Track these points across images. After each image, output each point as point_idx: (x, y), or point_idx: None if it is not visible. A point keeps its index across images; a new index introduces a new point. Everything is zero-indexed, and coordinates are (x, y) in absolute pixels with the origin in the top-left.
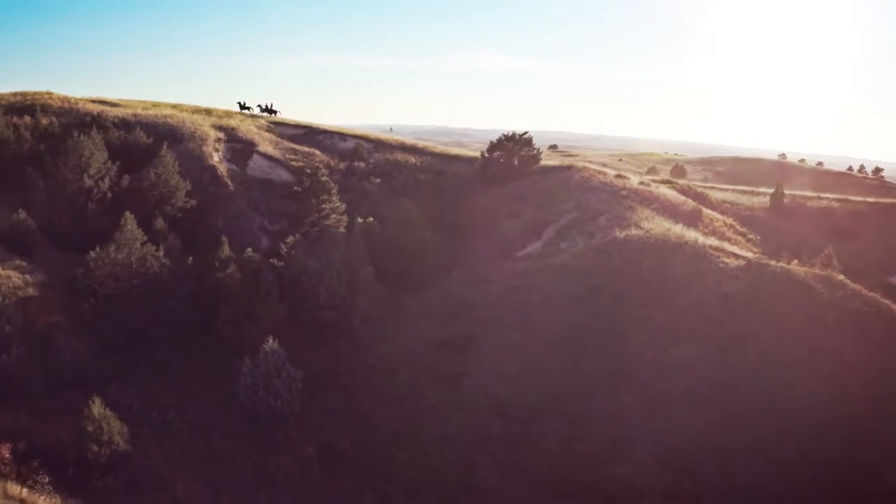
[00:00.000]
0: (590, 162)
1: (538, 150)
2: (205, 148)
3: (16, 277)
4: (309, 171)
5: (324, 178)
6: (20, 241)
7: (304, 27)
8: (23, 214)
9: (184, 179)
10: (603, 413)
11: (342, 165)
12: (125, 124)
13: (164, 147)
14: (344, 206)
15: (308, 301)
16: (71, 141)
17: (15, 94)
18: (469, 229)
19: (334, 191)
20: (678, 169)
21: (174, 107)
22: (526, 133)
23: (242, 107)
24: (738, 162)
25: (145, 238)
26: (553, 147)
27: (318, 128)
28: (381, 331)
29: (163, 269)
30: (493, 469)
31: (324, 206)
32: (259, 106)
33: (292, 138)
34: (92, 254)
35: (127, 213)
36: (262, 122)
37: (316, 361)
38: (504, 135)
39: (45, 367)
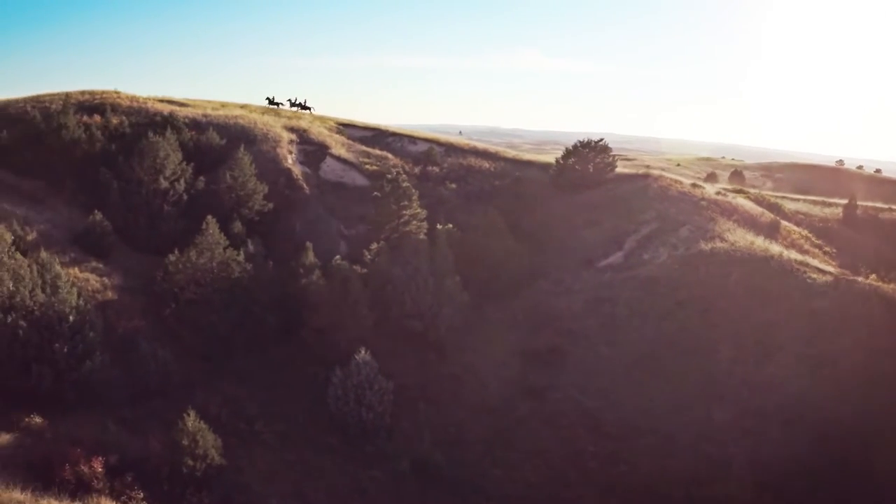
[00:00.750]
0: (663, 170)
1: (614, 157)
2: (279, 150)
3: (94, 280)
4: (389, 176)
5: (405, 184)
6: (96, 243)
7: (344, 27)
8: (99, 216)
9: (260, 182)
10: (696, 429)
11: (416, 170)
12: (196, 125)
13: (242, 149)
14: (425, 212)
15: (394, 310)
16: (146, 141)
17: (83, 93)
18: (547, 237)
19: (415, 197)
20: (737, 175)
21: (242, 107)
22: (602, 140)
23: (271, 102)
24: (795, 168)
25: (227, 242)
26: None
27: (387, 130)
28: (466, 340)
29: (244, 275)
30: (586, 486)
31: (404, 212)
32: (289, 101)
33: (361, 140)
34: (171, 257)
35: (209, 216)
36: (332, 123)
37: (402, 371)
38: (580, 141)
39: (129, 374)
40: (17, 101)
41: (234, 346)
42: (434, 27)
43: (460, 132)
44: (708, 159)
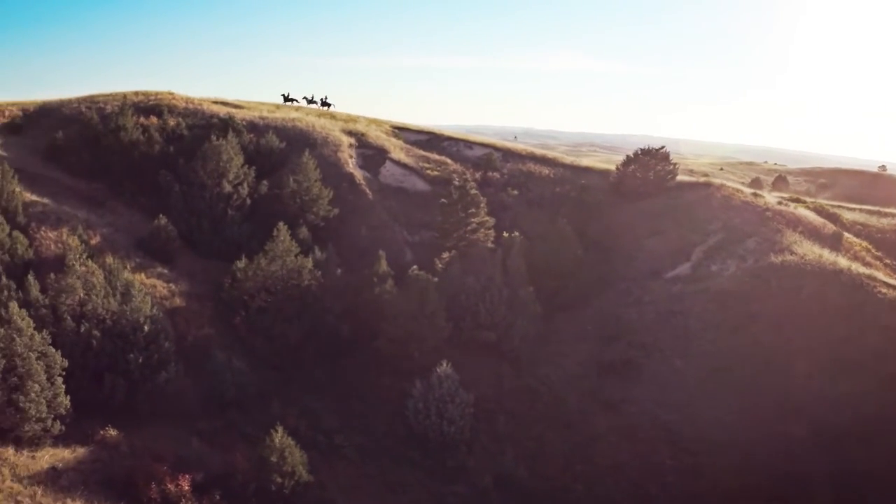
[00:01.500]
0: (707, 175)
1: (675, 165)
2: (340, 154)
3: (161, 287)
4: (457, 183)
5: (473, 192)
6: (161, 248)
7: (379, 28)
8: (163, 220)
9: (324, 187)
10: (774, 444)
11: (477, 175)
12: (254, 127)
13: (306, 153)
14: (492, 220)
15: (467, 320)
16: (208, 144)
17: (137, 94)
18: (612, 246)
19: (482, 204)
20: (781, 180)
21: (297, 109)
22: (663, 147)
23: (287, 98)
24: (838, 174)
25: (298, 249)
26: None
27: (442, 134)
28: (539, 352)
29: (314, 282)
30: (666, 501)
31: (472, 219)
32: (305, 98)
33: (416, 144)
34: (238, 264)
35: (280, 223)
36: (386, 126)
37: (478, 384)
38: (640, 149)
39: (202, 384)
40: (70, 102)
41: (305, 356)
42: (468, 27)
43: (515, 137)
44: (750, 164)
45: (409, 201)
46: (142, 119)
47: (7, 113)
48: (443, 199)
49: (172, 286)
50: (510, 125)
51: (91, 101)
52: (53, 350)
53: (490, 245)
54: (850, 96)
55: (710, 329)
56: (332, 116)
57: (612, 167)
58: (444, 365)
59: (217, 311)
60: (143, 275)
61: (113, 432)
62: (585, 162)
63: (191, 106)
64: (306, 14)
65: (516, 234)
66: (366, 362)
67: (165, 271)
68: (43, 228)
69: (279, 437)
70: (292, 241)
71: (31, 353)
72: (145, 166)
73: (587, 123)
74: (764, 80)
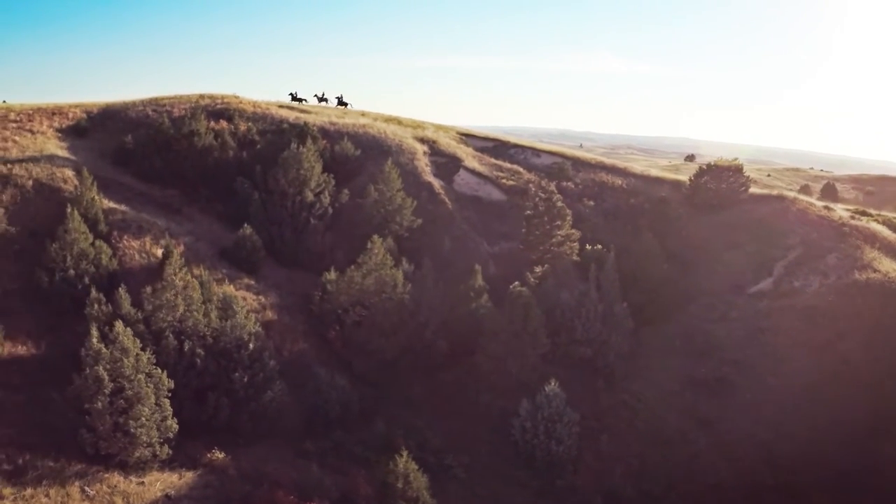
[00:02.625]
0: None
1: (747, 177)
2: (417, 162)
3: (251, 299)
4: (543, 194)
5: (560, 204)
6: (247, 258)
7: (411, 28)
8: (249, 229)
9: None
10: (867, 464)
11: (551, 185)
12: (325, 133)
13: (389, 162)
14: (578, 233)
15: (563, 336)
16: (289, 152)
17: (203, 97)
18: (690, 259)
19: (568, 217)
20: (830, 188)
21: (362, 114)
22: (736, 159)
23: (294, 98)
24: (886, 181)
25: (392, 262)
26: (691, 157)
27: (508, 141)
28: (631, 367)
29: (406, 296)
30: None
31: (558, 232)
32: (316, 97)
33: (483, 151)
34: (328, 276)
35: (375, 236)
36: (453, 133)
37: (575, 400)
38: (713, 161)
39: (305, 402)
40: (134, 104)
41: (402, 372)
42: (503, 27)
43: (581, 145)
44: (796, 170)
45: (486, 211)
46: (212, 123)
47: (71, 115)
48: (528, 211)
49: (262, 298)
50: (546, 127)
51: (156, 104)
52: (160, 371)
53: (575, 258)
54: (875, 98)
55: (798, 346)
56: (399, 122)
57: (678, 177)
58: (552, 384)
59: (309, 325)
60: (231, 286)
61: (220, 455)
62: (653, 172)
63: (258, 110)
64: (333, 11)
65: (599, 246)
66: (461, 378)
67: (252, 282)
68: (125, 237)
69: (403, 461)
70: (386, 254)
71: (139, 375)
72: (219, 172)
73: (622, 125)
74: (790, 82)
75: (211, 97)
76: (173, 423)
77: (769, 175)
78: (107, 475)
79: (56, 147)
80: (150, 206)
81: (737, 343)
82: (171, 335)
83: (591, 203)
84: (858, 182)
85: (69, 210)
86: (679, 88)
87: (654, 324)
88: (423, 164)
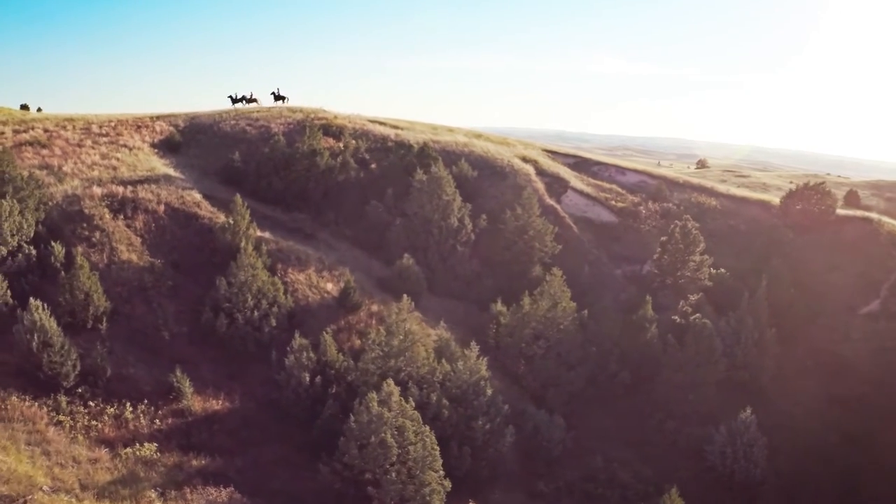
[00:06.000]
0: (771, 187)
1: (835, 199)
2: (535, 185)
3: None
4: (679, 222)
5: (694, 231)
6: (410, 289)
7: (401, 28)
8: (410, 260)
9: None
10: None
11: (654, 206)
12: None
13: (541, 190)
14: (711, 259)
15: (722, 362)
16: (429, 175)
17: (293, 111)
18: (795, 280)
19: (702, 244)
20: (853, 195)
21: (450, 130)
22: (823, 183)
23: (235, 100)
24: None
25: (570, 292)
26: (702, 163)
27: (590, 158)
28: (778, 388)
29: (575, 325)
30: None
31: (693, 258)
32: (244, 97)
33: (567, 168)
34: (496, 307)
35: (555, 268)
36: (538, 149)
37: None
38: (804, 183)
39: (522, 441)
40: (221, 117)
41: (586, 403)
42: (498, 29)
43: (658, 163)
44: (816, 176)
45: (600, 233)
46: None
47: (157, 128)
48: (663, 237)
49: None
50: (542, 128)
51: (247, 117)
52: (427, 429)
53: (707, 283)
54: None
55: None
56: (488, 138)
57: (762, 197)
58: (748, 411)
59: (495, 359)
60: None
61: None
62: (736, 191)
63: (356, 125)
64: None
65: (722, 270)
66: (640, 406)
67: (418, 314)
68: (289, 270)
69: (673, 497)
70: (563, 284)
71: (425, 439)
72: (342, 194)
73: (616, 126)
74: (788, 82)
75: (301, 110)
76: (447, 483)
77: (791, 182)
78: None
79: (161, 164)
80: (281, 230)
81: (866, 363)
82: (413, 385)
83: (698, 225)
84: (877, 188)
85: (243, 244)
86: (674, 89)
87: (783, 345)
88: (541, 186)
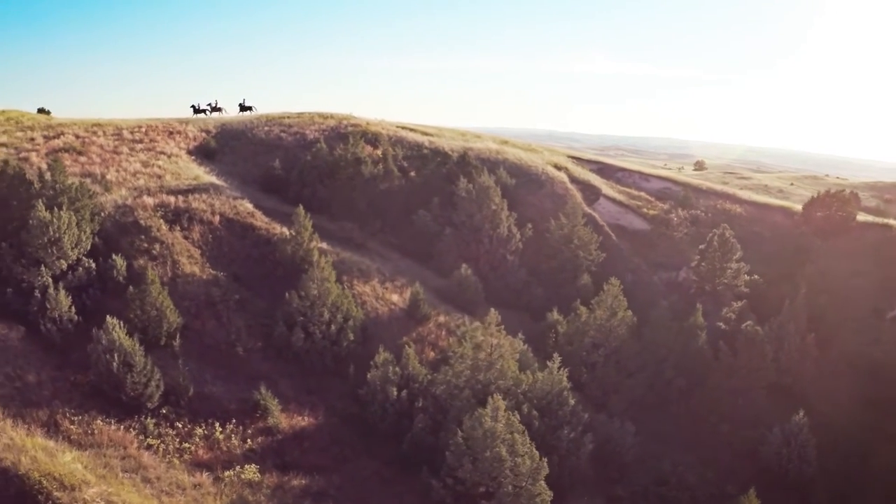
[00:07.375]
0: (776, 189)
1: (856, 206)
2: (573, 193)
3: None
4: (717, 230)
5: (732, 239)
6: (470, 300)
7: (394, 29)
8: (468, 270)
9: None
10: None
11: (684, 213)
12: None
13: (579, 198)
14: (748, 266)
15: (770, 368)
16: (476, 185)
17: (324, 116)
18: (822, 286)
19: (739, 251)
20: (854, 197)
21: (477, 136)
22: (844, 190)
23: (197, 110)
24: None
25: (626, 303)
26: (699, 164)
27: (613, 164)
28: (815, 390)
29: (628, 332)
30: None
31: (730, 265)
32: (210, 105)
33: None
34: (552, 316)
35: (612, 278)
36: (562, 156)
37: None
38: (826, 190)
39: (595, 450)
40: (253, 123)
41: (644, 408)
42: (490, 29)
43: (680, 168)
44: (815, 178)
45: (634, 240)
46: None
47: (191, 134)
48: (701, 246)
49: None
50: (533, 128)
51: (280, 123)
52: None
53: (744, 289)
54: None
55: None
56: (515, 146)
57: (783, 203)
58: (800, 414)
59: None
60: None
61: None
62: (762, 198)
63: (390, 132)
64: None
65: (756, 276)
66: (693, 410)
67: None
68: (355, 282)
69: (751, 499)
70: (620, 293)
71: (533, 450)
72: (386, 202)
73: (607, 126)
74: (783, 81)
75: (332, 116)
76: (550, 493)
77: (792, 184)
78: None
79: (203, 172)
80: (331, 240)
81: None
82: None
83: (733, 233)
84: (875, 189)
85: (316, 257)
86: (666, 88)
87: (818, 349)
88: (578, 195)
